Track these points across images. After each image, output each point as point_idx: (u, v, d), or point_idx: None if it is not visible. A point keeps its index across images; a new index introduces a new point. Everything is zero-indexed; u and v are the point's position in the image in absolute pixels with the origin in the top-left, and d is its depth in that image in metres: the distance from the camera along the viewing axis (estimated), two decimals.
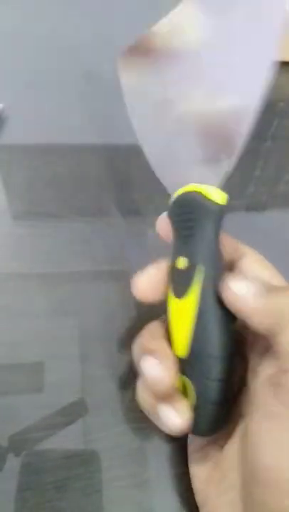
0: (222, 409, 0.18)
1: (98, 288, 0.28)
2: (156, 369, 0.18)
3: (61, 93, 0.39)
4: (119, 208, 0.33)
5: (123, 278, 0.29)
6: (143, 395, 0.19)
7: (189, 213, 0.20)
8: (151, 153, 0.23)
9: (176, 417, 0.18)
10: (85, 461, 0.22)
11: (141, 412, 0.20)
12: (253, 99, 0.19)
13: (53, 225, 0.31)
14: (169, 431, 0.18)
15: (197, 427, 0.18)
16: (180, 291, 0.19)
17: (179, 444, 0.22)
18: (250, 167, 0.36)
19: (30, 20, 0.46)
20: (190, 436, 0.21)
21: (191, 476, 0.20)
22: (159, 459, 0.22)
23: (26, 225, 0.31)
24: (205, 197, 0.20)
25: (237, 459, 0.18)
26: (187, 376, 0.19)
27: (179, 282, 0.20)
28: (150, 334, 0.20)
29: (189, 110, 0.21)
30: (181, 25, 0.21)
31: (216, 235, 0.20)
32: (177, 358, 0.19)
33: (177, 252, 0.20)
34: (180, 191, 0.21)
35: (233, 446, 0.18)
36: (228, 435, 0.19)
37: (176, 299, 0.19)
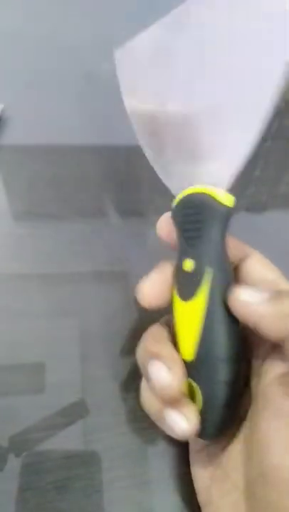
0: (229, 413, 0.18)
1: (99, 288, 0.28)
2: (165, 374, 0.18)
3: (61, 94, 0.39)
4: (119, 209, 0.33)
5: (123, 278, 0.29)
6: (149, 400, 0.19)
7: (197, 215, 0.20)
8: (153, 153, 0.22)
9: (184, 423, 0.17)
10: (85, 462, 0.22)
11: (141, 412, 0.20)
12: (264, 99, 0.19)
13: (54, 226, 0.31)
14: (176, 436, 0.18)
15: (204, 431, 0.18)
16: (187, 294, 0.19)
17: (179, 445, 0.22)
18: (251, 167, 0.36)
19: (31, 20, 0.46)
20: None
21: (193, 476, 0.20)
22: (159, 459, 0.22)
23: (27, 226, 0.31)
24: (214, 199, 0.19)
25: (240, 458, 0.18)
26: (193, 379, 0.18)
27: (185, 285, 0.19)
28: (154, 338, 0.20)
29: (191, 110, 0.21)
30: (182, 25, 0.21)
31: (224, 237, 0.20)
32: (183, 361, 0.19)
33: (183, 254, 0.20)
34: (186, 192, 0.20)
35: (236, 446, 0.18)
36: (231, 435, 0.19)
37: (183, 302, 0.19)
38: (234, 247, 0.21)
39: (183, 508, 0.21)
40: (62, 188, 0.33)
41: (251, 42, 0.19)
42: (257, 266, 0.21)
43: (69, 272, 0.29)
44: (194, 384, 0.18)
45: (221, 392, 0.18)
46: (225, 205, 0.19)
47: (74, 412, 0.23)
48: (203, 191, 0.20)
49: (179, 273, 0.20)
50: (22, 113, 0.37)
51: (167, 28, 0.21)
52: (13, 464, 0.21)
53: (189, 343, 0.19)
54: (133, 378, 0.25)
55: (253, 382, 0.19)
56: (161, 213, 0.22)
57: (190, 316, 0.19)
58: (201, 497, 0.19)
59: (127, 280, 0.29)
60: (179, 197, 0.21)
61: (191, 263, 0.19)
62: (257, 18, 0.19)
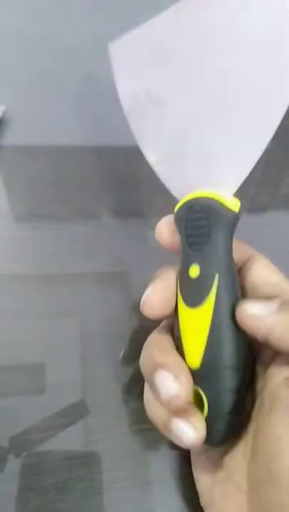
0: (234, 419, 0.18)
1: (99, 289, 0.28)
2: (171, 384, 0.17)
3: (61, 94, 0.39)
4: (119, 209, 0.33)
5: (124, 279, 0.29)
6: (154, 409, 0.19)
7: (203, 220, 0.19)
8: (154, 156, 0.22)
9: (191, 432, 0.17)
10: (86, 463, 0.22)
11: (142, 412, 0.20)
12: (277, 101, 0.18)
13: (55, 227, 0.31)
14: (184, 445, 0.17)
15: (209, 437, 0.18)
16: (193, 301, 0.19)
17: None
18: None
19: (31, 20, 0.46)
20: None
21: (195, 478, 0.20)
22: (160, 460, 0.22)
23: (28, 227, 0.31)
24: (221, 204, 0.19)
25: (244, 460, 0.18)
26: (199, 386, 0.18)
27: (191, 292, 0.19)
28: (159, 346, 0.19)
29: (196, 111, 0.20)
30: (180, 20, 0.20)
31: (230, 243, 0.19)
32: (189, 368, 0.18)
33: (188, 260, 0.19)
34: (190, 196, 0.20)
35: (239, 448, 0.18)
36: (234, 437, 0.19)
37: (189, 309, 0.19)
38: (237, 249, 0.20)
39: (184, 508, 0.21)
40: (62, 188, 0.33)
41: (257, 43, 0.18)
42: (260, 269, 0.20)
43: (69, 273, 0.29)
44: (199, 390, 0.18)
45: (226, 399, 0.17)
46: (232, 211, 0.19)
47: (74, 413, 0.23)
48: (209, 196, 0.19)
49: (184, 280, 0.19)
50: (22, 113, 0.37)
51: (165, 22, 0.20)
52: (14, 464, 0.21)
53: (195, 351, 0.18)
54: (134, 379, 0.25)
55: (258, 386, 0.19)
56: (162, 215, 0.22)
57: (196, 323, 0.18)
58: (204, 498, 0.19)
59: (127, 281, 0.29)
60: (182, 201, 0.20)
61: (196, 269, 0.19)
62: (259, 16, 0.18)
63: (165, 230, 0.21)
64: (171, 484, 0.21)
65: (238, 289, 0.19)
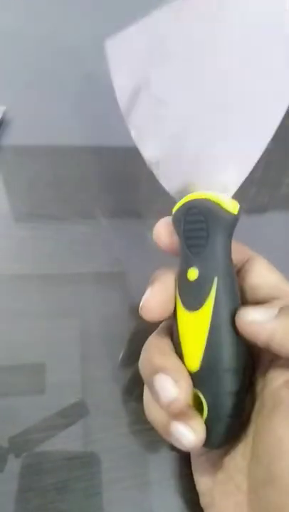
0: (234, 422, 0.18)
1: (99, 289, 0.28)
2: (171, 387, 0.17)
3: (61, 94, 0.39)
4: (119, 210, 0.33)
5: (123, 279, 0.29)
6: (154, 412, 0.19)
7: (201, 222, 0.19)
8: (152, 157, 0.21)
9: (191, 435, 0.17)
10: (85, 463, 0.22)
11: (142, 413, 0.20)
12: (278, 102, 0.18)
13: (55, 227, 0.31)
14: (183, 448, 0.17)
15: (209, 440, 0.18)
16: (192, 304, 0.18)
17: None
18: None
19: (31, 20, 0.46)
20: None
21: (195, 478, 0.20)
22: (159, 460, 0.22)
23: (28, 227, 0.31)
24: (220, 206, 0.18)
25: (244, 461, 0.18)
26: (198, 389, 0.18)
27: (190, 295, 0.19)
28: (158, 349, 0.19)
29: (196, 110, 0.20)
30: (177, 17, 0.20)
31: (229, 245, 0.19)
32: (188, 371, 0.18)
33: (187, 263, 0.19)
34: (188, 198, 0.19)
35: (239, 449, 0.18)
36: (234, 439, 0.19)
37: (188, 312, 0.19)
38: (236, 250, 0.20)
39: (184, 509, 0.21)
40: (62, 188, 0.33)
41: (257, 42, 0.18)
42: (259, 270, 0.20)
43: (69, 273, 0.29)
44: (198, 393, 0.18)
45: (226, 402, 0.17)
46: (231, 213, 0.19)
47: (74, 413, 0.23)
48: (208, 197, 0.19)
49: (183, 283, 0.19)
50: (22, 114, 0.37)
51: (163, 20, 0.20)
52: (14, 464, 0.21)
53: (194, 354, 0.18)
54: (133, 379, 0.25)
55: (258, 388, 0.19)
56: (161, 215, 0.21)
57: (195, 326, 0.18)
58: (204, 499, 0.19)
59: (126, 281, 0.29)
60: (180, 202, 0.20)
61: (195, 272, 0.19)
62: (259, 16, 0.18)
63: (163, 231, 0.21)
64: (170, 485, 0.21)
65: (238, 292, 0.19)
